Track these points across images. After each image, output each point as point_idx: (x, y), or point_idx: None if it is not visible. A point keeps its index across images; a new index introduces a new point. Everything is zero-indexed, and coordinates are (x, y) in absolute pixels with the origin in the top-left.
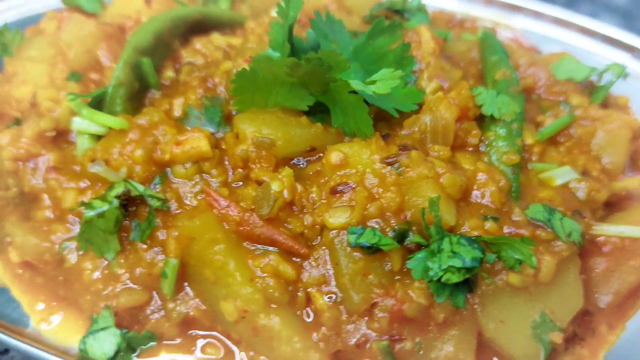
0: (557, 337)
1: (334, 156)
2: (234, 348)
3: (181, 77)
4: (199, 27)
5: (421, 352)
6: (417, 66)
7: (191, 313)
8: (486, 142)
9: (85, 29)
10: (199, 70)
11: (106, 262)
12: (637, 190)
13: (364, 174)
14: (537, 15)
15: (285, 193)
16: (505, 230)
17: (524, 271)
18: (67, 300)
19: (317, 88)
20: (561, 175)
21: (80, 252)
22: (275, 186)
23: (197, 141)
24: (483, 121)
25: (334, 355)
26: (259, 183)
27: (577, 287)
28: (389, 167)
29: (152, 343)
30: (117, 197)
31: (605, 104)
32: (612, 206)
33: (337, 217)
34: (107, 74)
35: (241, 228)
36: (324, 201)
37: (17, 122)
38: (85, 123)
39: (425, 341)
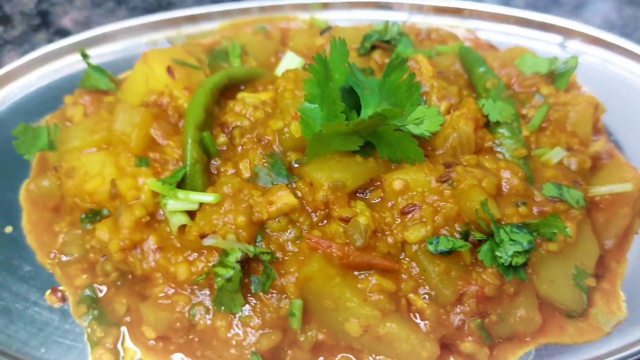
0: (591, 282)
1: (397, 184)
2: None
3: (236, 141)
4: (225, 88)
5: (503, 320)
6: (422, 89)
7: (319, 337)
8: (497, 143)
9: (137, 115)
10: (249, 132)
11: (236, 317)
12: (602, 149)
13: (424, 194)
14: (480, 14)
15: (371, 223)
16: (534, 210)
17: (557, 239)
18: (205, 357)
19: (367, 132)
20: (555, 155)
21: (209, 315)
22: (362, 220)
23: (287, 197)
24: (489, 127)
25: (440, 340)
26: (344, 220)
27: (593, 239)
28: (445, 184)
29: None
30: (238, 261)
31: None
32: (591, 169)
33: (415, 233)
34: (168, 152)
35: (344, 261)
36: (397, 222)
37: (95, 213)
38: (179, 204)
39: (503, 311)
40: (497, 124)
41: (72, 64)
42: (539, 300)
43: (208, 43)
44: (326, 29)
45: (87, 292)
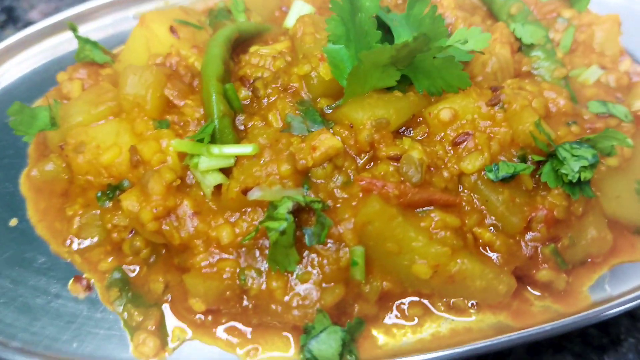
0: None
1: (445, 113)
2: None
3: (260, 93)
4: (235, 43)
5: (575, 244)
6: (446, 21)
7: (385, 286)
8: (534, 67)
9: (150, 75)
10: (272, 82)
11: (293, 275)
12: (630, 68)
13: (474, 121)
14: None
15: (425, 157)
16: (586, 128)
17: (617, 153)
18: (263, 324)
19: (404, 63)
20: (592, 74)
21: (262, 278)
22: (415, 154)
23: (331, 141)
24: (522, 51)
25: (514, 272)
26: (393, 159)
27: None
28: (496, 107)
29: (363, 326)
30: (289, 212)
31: None
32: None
33: (473, 163)
34: (187, 112)
35: (401, 200)
36: (450, 154)
37: (114, 188)
38: (214, 161)
39: (574, 234)
40: (531, 46)
41: (52, 47)
42: (607, 221)
43: (202, 9)
44: None
45: (117, 275)
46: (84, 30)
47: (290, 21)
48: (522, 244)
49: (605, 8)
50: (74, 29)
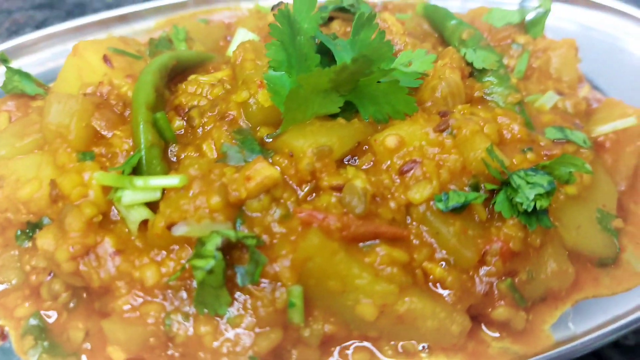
0: (619, 222)
1: (390, 140)
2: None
3: (195, 122)
4: (174, 72)
5: (534, 278)
6: (395, 47)
7: (327, 329)
8: (487, 92)
9: (75, 103)
10: (209, 110)
11: (223, 319)
12: (589, 95)
13: (422, 148)
14: None
15: (368, 186)
16: (543, 155)
17: (575, 180)
18: None
19: (347, 88)
20: (548, 99)
21: (189, 323)
22: (358, 183)
23: (267, 170)
24: (474, 77)
25: (468, 312)
26: (336, 189)
27: (608, 179)
28: (444, 133)
29: None
30: (218, 249)
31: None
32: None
33: (420, 192)
34: (115, 143)
35: (344, 233)
36: (397, 183)
37: (33, 226)
38: (138, 194)
39: (533, 267)
40: (484, 72)
41: None
42: (568, 253)
43: (145, 42)
44: (277, 4)
45: (33, 321)
46: (21, 63)
47: (232, 49)
48: (477, 279)
49: (562, 34)
50: (4, 60)
